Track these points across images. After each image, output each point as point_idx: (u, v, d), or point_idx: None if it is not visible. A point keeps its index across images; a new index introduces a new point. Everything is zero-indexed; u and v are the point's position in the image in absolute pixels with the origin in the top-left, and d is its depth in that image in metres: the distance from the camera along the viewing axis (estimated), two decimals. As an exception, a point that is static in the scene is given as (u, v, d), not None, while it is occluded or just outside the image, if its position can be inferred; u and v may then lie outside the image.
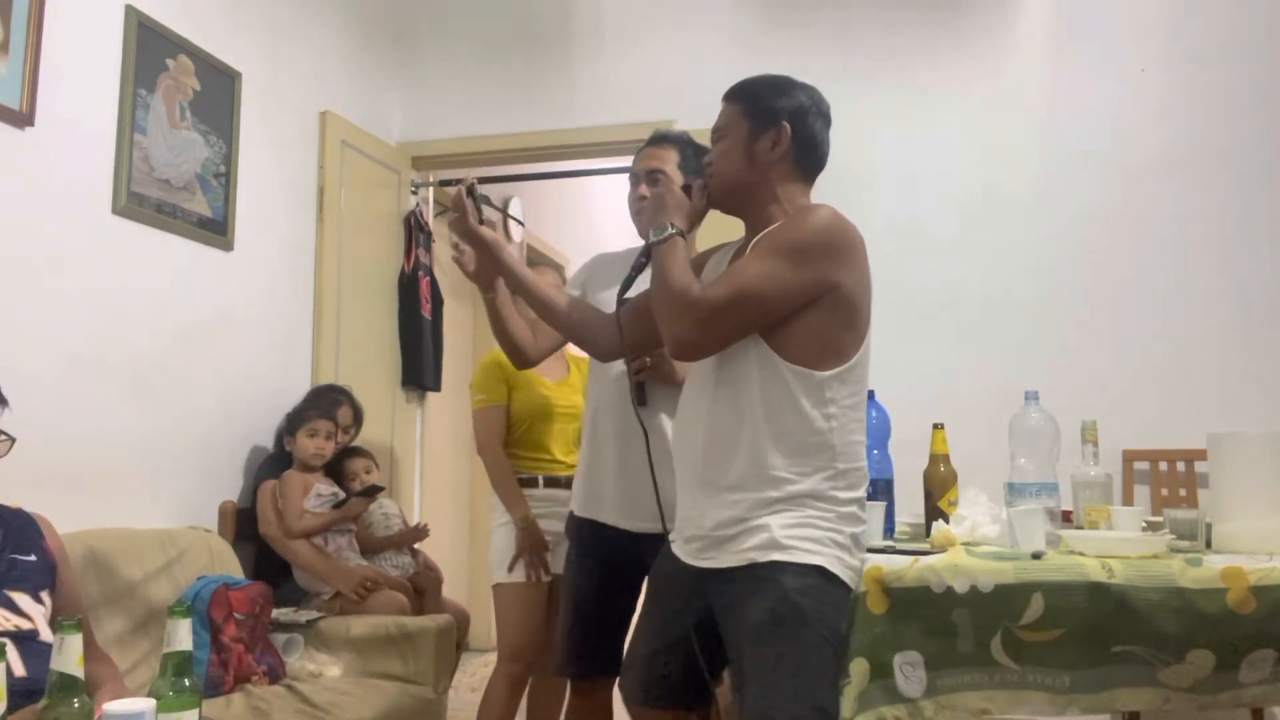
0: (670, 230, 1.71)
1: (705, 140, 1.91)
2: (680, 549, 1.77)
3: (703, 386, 1.73)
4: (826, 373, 1.60)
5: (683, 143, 2.20)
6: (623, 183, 2.31)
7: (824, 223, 1.62)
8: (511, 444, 2.83)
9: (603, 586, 2.21)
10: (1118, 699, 1.74)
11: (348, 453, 3.28)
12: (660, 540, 2.04)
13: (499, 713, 2.63)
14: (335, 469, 3.22)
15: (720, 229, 1.92)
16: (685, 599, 1.74)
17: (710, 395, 1.70)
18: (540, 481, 2.78)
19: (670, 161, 2.17)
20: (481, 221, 1.94)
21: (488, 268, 2.00)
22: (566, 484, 2.73)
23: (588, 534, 2.24)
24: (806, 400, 1.60)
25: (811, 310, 1.60)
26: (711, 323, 1.61)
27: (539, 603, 2.70)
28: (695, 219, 1.83)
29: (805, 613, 1.55)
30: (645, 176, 2.17)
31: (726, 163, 1.76)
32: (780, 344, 1.61)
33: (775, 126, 1.72)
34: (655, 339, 1.81)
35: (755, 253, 1.64)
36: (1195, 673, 1.70)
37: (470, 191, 1.92)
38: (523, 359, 2.21)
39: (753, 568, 1.60)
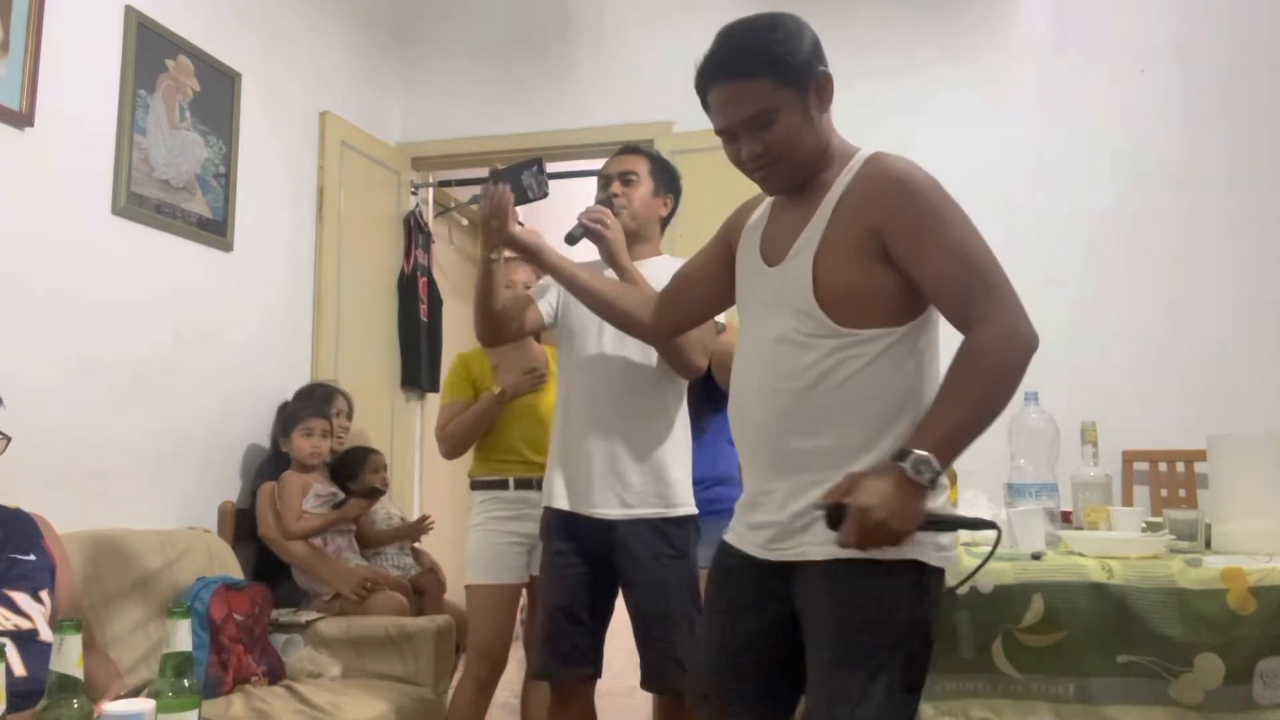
0: None
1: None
2: (744, 539, 1.61)
3: (759, 359, 1.57)
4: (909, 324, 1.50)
5: (653, 156, 2.34)
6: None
7: (925, 175, 1.54)
8: (482, 446, 2.81)
9: (582, 582, 2.18)
10: (1128, 716, 1.71)
11: (364, 451, 3.29)
12: (636, 525, 2.12)
13: (467, 714, 2.63)
14: (354, 464, 3.23)
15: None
16: (757, 594, 1.57)
17: (769, 368, 1.55)
18: (510, 484, 2.73)
19: (643, 167, 2.29)
20: (545, 194, 2.05)
21: (498, 237, 2.03)
22: (538, 485, 2.70)
23: (561, 527, 2.21)
24: (888, 361, 1.49)
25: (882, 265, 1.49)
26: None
27: (509, 605, 2.70)
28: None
29: (901, 616, 1.42)
30: (619, 177, 2.27)
31: (798, 143, 1.53)
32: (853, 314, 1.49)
33: (817, 79, 1.53)
34: (691, 322, 1.91)
35: (929, 231, 1.48)
36: (1205, 683, 1.68)
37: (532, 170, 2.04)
38: (495, 334, 2.19)
39: (841, 563, 1.42)
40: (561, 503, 2.22)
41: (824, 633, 1.46)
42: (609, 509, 2.16)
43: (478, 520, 2.74)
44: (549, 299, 2.29)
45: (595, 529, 2.17)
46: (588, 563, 2.18)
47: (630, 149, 2.35)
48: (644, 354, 2.18)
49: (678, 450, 2.22)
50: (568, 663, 2.19)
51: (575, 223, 2.13)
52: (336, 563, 2.94)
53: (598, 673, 2.23)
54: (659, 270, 2.13)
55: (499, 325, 2.18)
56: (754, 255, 1.65)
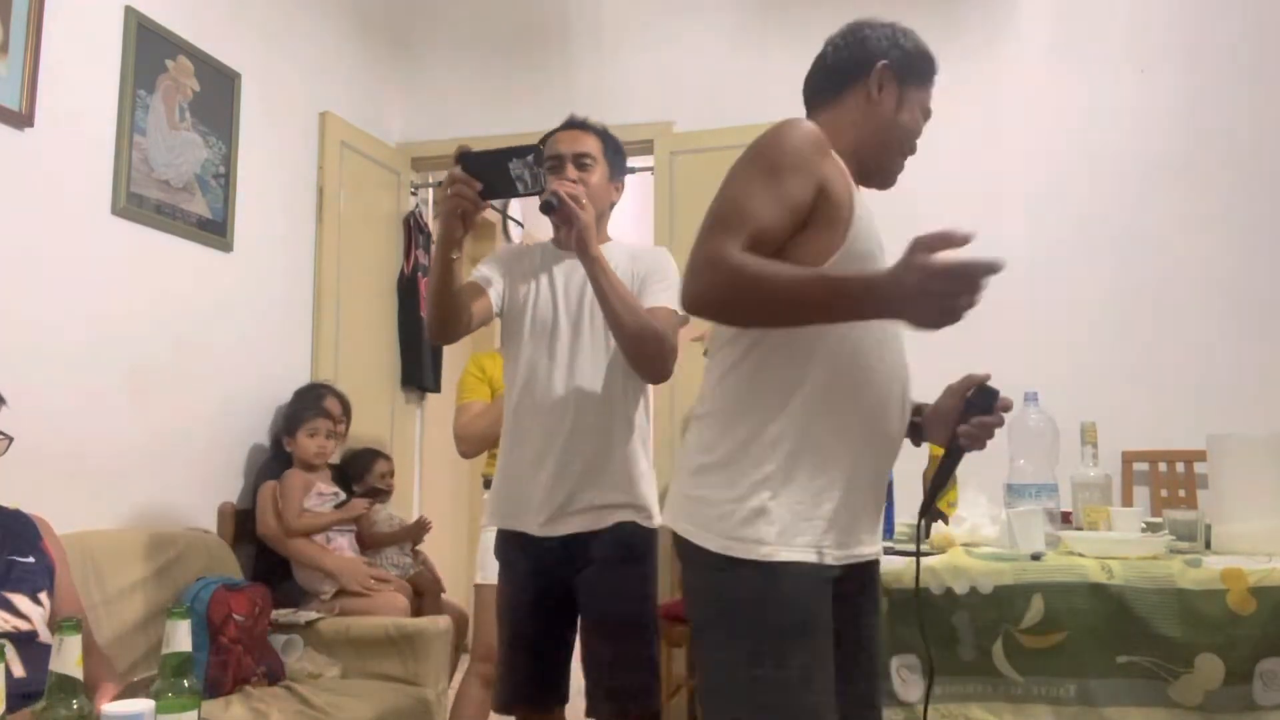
0: None
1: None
2: (849, 554, 1.45)
3: (897, 366, 1.61)
4: None
5: (605, 134, 2.12)
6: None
7: None
8: (496, 445, 2.81)
9: (539, 606, 2.04)
10: (1128, 717, 1.71)
11: (373, 454, 3.29)
12: (595, 533, 1.98)
13: (472, 712, 2.62)
14: (362, 467, 3.22)
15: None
16: (855, 619, 1.50)
17: (905, 374, 1.66)
18: None
19: (597, 148, 2.08)
20: (541, 190, 1.83)
21: (461, 233, 1.83)
22: None
23: (515, 542, 2.07)
24: None
25: None
26: None
27: None
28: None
29: None
30: (574, 160, 2.05)
31: None
32: None
33: None
34: None
35: None
36: (1205, 683, 1.68)
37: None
38: (450, 331, 2.02)
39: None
40: (512, 524, 2.08)
41: (877, 619, 1.57)
42: (568, 528, 2.00)
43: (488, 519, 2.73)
44: (496, 290, 2.09)
45: (550, 542, 2.02)
46: (543, 583, 2.03)
47: (579, 124, 2.10)
48: (604, 362, 2.02)
49: (644, 462, 2.06)
50: (519, 696, 2.07)
51: (550, 191, 1.90)
52: (341, 557, 2.94)
53: (562, 699, 2.09)
54: (614, 257, 1.99)
55: (454, 322, 1.97)
56: (875, 231, 1.53)
